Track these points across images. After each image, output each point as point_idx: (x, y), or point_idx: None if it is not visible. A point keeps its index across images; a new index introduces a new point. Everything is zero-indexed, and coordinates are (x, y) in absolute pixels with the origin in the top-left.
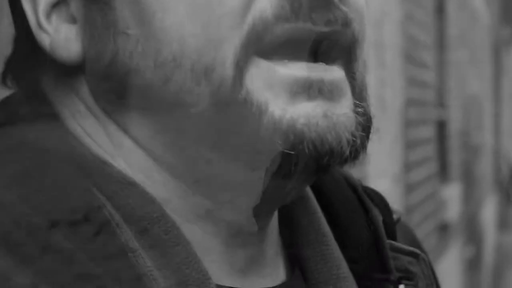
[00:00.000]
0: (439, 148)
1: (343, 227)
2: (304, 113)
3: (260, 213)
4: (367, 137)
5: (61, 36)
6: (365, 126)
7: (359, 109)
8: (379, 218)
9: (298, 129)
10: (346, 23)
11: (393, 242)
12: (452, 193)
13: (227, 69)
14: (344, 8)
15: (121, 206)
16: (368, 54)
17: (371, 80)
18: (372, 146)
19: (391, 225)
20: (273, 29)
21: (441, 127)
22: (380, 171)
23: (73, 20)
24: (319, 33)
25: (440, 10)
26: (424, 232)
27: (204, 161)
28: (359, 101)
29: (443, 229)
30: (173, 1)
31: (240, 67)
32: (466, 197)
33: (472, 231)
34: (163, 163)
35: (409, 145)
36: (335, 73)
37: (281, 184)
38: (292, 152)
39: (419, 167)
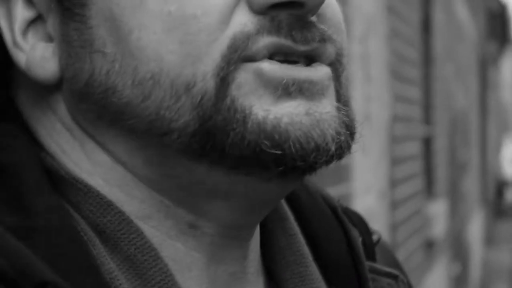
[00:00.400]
0: (425, 164)
1: (322, 248)
2: (287, 112)
3: (243, 223)
4: (352, 136)
5: (37, 54)
6: (349, 126)
7: (343, 112)
8: (358, 239)
9: (283, 128)
10: (324, 39)
11: (372, 263)
12: (438, 209)
13: (208, 82)
14: (321, 26)
15: (97, 225)
16: (354, 69)
17: (357, 95)
18: (358, 162)
19: (371, 246)
20: (256, 40)
21: (427, 143)
22: (365, 187)
23: (49, 38)
24: (299, 52)
25: (426, 25)
26: (410, 248)
27: (187, 171)
28: (344, 106)
29: (429, 245)
30: (149, 19)
31: (223, 78)
32: (452, 214)
33: (458, 248)
34: (143, 178)
35: (395, 161)
36: (315, 72)
37: (266, 187)
38: (279, 152)
39: (405, 183)
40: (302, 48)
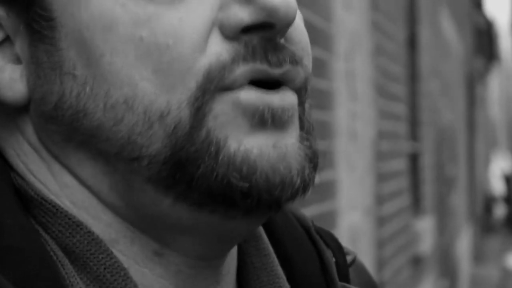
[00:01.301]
0: (412, 180)
1: (296, 269)
2: (257, 144)
3: (209, 255)
4: (315, 169)
5: (5, 76)
6: (312, 159)
7: (306, 143)
8: (331, 259)
9: (251, 160)
10: (295, 60)
11: (345, 284)
12: (426, 225)
13: (183, 111)
14: (290, 46)
15: (66, 245)
16: (339, 87)
17: (342, 112)
18: (343, 179)
19: (344, 266)
20: (232, 69)
21: (414, 159)
22: (351, 204)
23: (18, 60)
24: (274, 75)
25: (412, 41)
26: (397, 265)
27: (152, 202)
28: (306, 134)
29: (417, 262)
30: (120, 43)
31: (198, 108)
32: (440, 230)
33: (446, 264)
34: (108, 204)
35: (381, 177)
36: (286, 98)
37: (231, 225)
38: (246, 185)
39: (391, 199)
40: (276, 71)
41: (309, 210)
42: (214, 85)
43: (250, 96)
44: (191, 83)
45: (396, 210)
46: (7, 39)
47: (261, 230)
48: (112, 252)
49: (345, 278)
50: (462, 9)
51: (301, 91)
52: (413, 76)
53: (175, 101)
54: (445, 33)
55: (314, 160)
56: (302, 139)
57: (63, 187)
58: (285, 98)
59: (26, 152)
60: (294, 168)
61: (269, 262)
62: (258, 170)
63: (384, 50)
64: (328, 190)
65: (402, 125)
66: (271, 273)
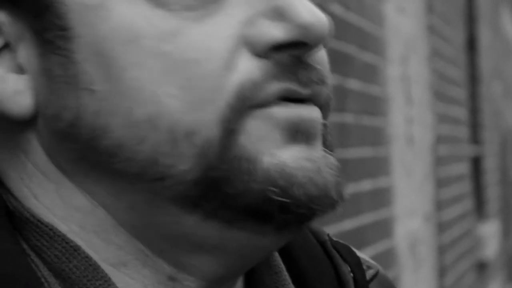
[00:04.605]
0: (475, 184)
1: (310, 286)
2: (292, 157)
3: (227, 276)
4: (343, 185)
5: (7, 87)
6: (339, 174)
7: (332, 158)
8: (348, 275)
9: (288, 173)
10: (322, 80)
11: None
12: (490, 230)
13: (213, 131)
14: (318, 66)
15: (62, 271)
16: (394, 91)
17: (398, 117)
18: (400, 185)
19: (363, 282)
20: (264, 87)
21: (476, 163)
22: (409, 211)
23: (20, 69)
24: (304, 95)
25: (471, 44)
26: (460, 271)
27: (175, 222)
28: (329, 151)
29: (482, 267)
30: (145, 58)
31: (229, 127)
32: (505, 234)
33: None
34: (125, 224)
35: (441, 182)
36: (315, 112)
37: (260, 242)
38: (286, 200)
39: (452, 204)
40: (306, 91)
41: (364, 218)
42: (246, 104)
43: (282, 109)
44: (221, 102)
45: (457, 215)
46: (7, 46)
47: None
48: (110, 279)
49: None
50: None
51: (324, 108)
52: (473, 78)
53: (203, 120)
54: (507, 33)
55: (340, 175)
56: (327, 154)
57: (73, 210)
58: (312, 112)
59: (30, 174)
60: (329, 181)
61: (281, 280)
62: (296, 183)
63: (441, 53)
64: (384, 197)
65: (463, 129)
66: None
